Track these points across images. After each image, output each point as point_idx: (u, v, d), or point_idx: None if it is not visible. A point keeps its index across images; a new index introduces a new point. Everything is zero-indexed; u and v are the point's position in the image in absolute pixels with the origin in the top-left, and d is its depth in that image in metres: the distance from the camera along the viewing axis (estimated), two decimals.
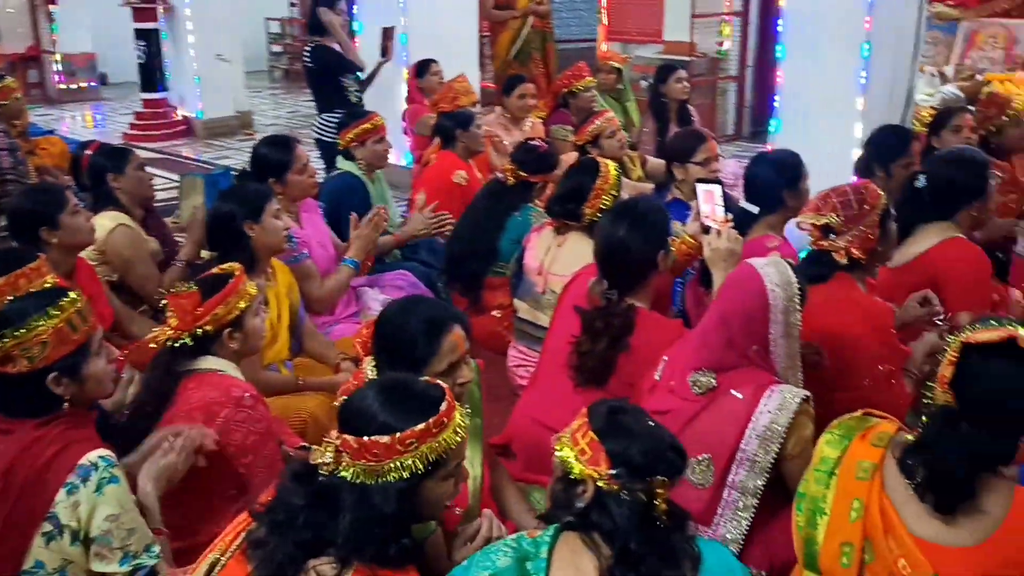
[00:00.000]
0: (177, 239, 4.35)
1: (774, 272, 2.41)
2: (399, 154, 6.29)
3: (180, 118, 9.84)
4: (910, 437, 1.91)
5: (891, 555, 1.86)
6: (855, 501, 1.91)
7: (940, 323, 2.87)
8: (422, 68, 6.40)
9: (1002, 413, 1.81)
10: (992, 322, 1.85)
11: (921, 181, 3.30)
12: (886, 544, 1.87)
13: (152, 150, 8.81)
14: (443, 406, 1.78)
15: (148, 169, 4.10)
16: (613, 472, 1.67)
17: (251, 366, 2.83)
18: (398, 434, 1.71)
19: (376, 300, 3.92)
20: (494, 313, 4.13)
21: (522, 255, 3.75)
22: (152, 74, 9.53)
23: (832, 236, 2.78)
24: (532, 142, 4.27)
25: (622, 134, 4.78)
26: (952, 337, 1.87)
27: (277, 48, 14.96)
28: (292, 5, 14.71)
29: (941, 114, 4.57)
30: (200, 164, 8.38)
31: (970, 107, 5.13)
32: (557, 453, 1.76)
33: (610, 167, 3.52)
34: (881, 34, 4.66)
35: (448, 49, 6.65)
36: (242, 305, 2.45)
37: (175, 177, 6.73)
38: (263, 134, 9.04)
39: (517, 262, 3.83)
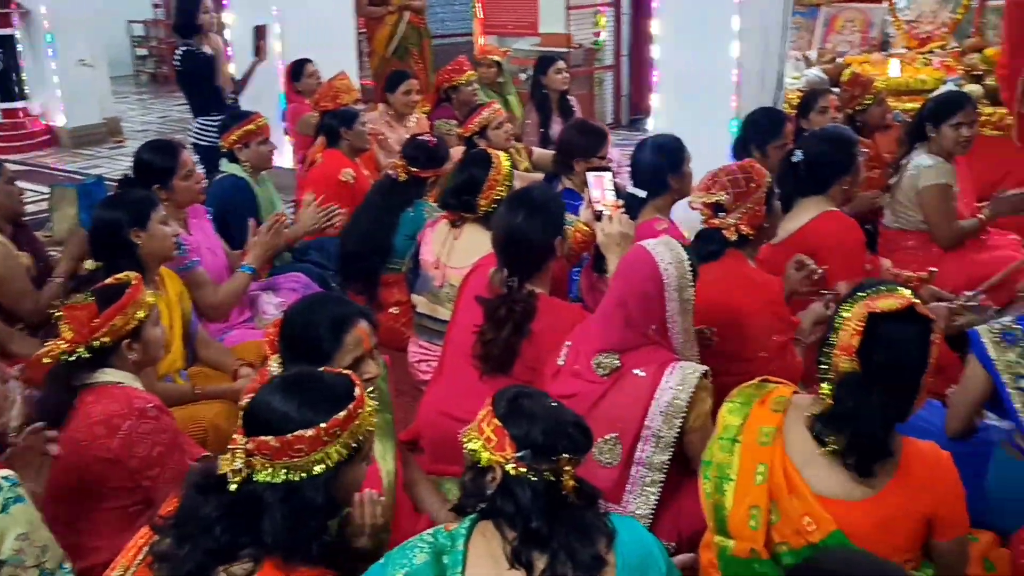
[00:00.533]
0: (50, 253, 4.17)
1: (666, 251, 2.49)
2: (282, 155, 6.17)
3: (43, 127, 9.38)
4: (817, 409, 1.98)
5: (796, 514, 1.95)
6: (760, 465, 2.00)
7: (826, 293, 3.01)
8: (296, 70, 6.29)
9: (905, 375, 1.93)
10: (881, 287, 1.96)
11: (798, 155, 3.46)
12: (791, 504, 1.96)
13: (14, 162, 8.37)
14: (356, 391, 1.79)
15: None
16: (519, 455, 1.68)
17: (146, 378, 2.74)
18: (322, 425, 1.71)
19: (271, 304, 3.86)
20: (392, 310, 4.12)
21: (418, 251, 3.75)
22: (9, 83, 9.04)
23: (722, 214, 2.88)
24: (422, 137, 4.26)
25: (509, 125, 4.82)
26: (847, 306, 1.96)
27: (142, 51, 14.44)
28: (156, 7, 14.20)
29: (808, 96, 4.79)
30: (68, 174, 8.02)
31: (833, 88, 5.38)
32: (466, 445, 1.77)
33: (502, 158, 3.55)
34: (751, 19, 4.83)
35: (325, 47, 6.55)
36: (141, 315, 2.39)
37: (43, 189, 6.43)
38: (134, 141, 8.76)
39: (413, 258, 3.82)
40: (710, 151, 4.02)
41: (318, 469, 1.71)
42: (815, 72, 6.53)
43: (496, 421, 1.74)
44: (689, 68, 4.98)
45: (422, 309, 3.67)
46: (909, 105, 5.46)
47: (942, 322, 3.40)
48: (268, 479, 1.70)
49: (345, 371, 1.90)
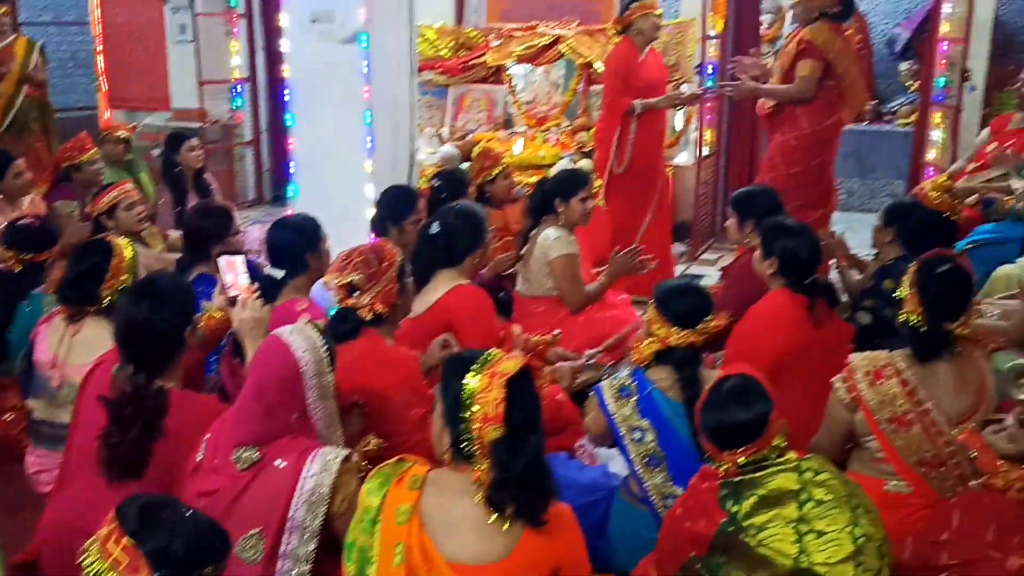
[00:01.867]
0: None
1: (300, 339, 2.48)
2: None
3: None
4: (485, 481, 2.02)
5: None
6: (398, 546, 2.03)
7: None
8: None
9: (537, 424, 2.07)
10: (483, 358, 2.08)
11: (435, 227, 3.63)
12: None
13: None
14: None
15: None
16: None
17: None
18: None
19: None
20: (6, 416, 3.69)
21: (31, 350, 3.41)
22: None
23: (356, 294, 2.94)
24: (21, 221, 3.91)
25: (142, 207, 4.57)
26: (468, 383, 2.04)
27: None
28: None
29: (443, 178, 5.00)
30: None
31: (465, 162, 5.73)
32: (86, 569, 1.62)
33: (123, 245, 3.34)
34: (381, 101, 5.00)
35: None
36: None
37: None
38: None
39: (26, 358, 3.46)
40: (348, 228, 4.08)
41: None
42: (448, 148, 6.91)
43: (126, 539, 1.61)
44: (325, 145, 5.05)
45: (39, 414, 3.32)
46: (533, 179, 5.93)
47: (566, 380, 3.72)
48: None
49: None
